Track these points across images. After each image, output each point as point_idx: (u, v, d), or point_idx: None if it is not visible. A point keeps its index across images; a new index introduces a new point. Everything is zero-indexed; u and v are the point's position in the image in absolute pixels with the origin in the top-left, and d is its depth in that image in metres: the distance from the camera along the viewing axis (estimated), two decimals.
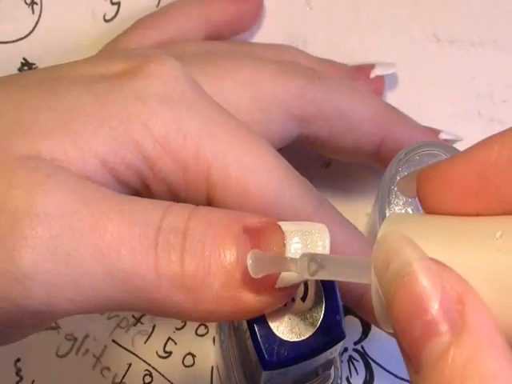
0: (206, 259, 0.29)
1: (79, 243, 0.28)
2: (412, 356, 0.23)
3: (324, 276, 0.28)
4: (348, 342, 0.46)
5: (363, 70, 0.46)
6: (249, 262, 0.29)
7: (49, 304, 0.29)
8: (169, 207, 0.30)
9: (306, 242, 0.29)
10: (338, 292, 0.31)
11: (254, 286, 0.29)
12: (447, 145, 0.41)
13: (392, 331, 0.25)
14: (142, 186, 0.33)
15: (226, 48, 0.44)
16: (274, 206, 0.34)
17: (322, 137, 0.42)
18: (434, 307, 0.23)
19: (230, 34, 0.48)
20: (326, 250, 0.30)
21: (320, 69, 0.44)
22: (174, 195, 0.34)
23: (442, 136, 0.45)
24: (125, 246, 0.29)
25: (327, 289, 0.31)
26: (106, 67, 0.34)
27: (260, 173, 0.34)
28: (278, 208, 0.34)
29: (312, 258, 0.28)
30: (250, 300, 0.30)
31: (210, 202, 0.34)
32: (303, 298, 0.31)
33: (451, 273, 0.24)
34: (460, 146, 0.42)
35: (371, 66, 0.46)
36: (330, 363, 0.34)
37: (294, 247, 0.29)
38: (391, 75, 0.47)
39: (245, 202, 0.33)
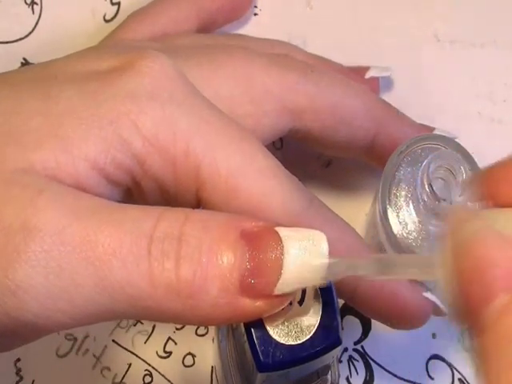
0: (203, 266, 0.29)
1: (71, 256, 0.29)
2: (474, 317, 0.24)
3: (390, 276, 0.29)
4: (348, 342, 0.46)
5: (358, 70, 0.46)
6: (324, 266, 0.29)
7: (42, 316, 0.29)
8: (162, 213, 0.30)
9: (304, 249, 0.30)
10: (335, 297, 0.31)
11: (252, 291, 0.29)
12: (449, 138, 0.41)
13: (462, 324, 0.25)
14: (132, 184, 0.33)
15: (219, 40, 0.44)
16: (263, 204, 0.34)
17: (315, 131, 0.42)
18: (499, 270, 0.23)
19: (224, 21, 0.47)
20: (325, 256, 0.30)
21: (313, 63, 0.44)
22: (164, 192, 0.34)
23: (436, 133, 0.44)
24: (116, 257, 0.29)
25: (325, 293, 0.31)
26: (97, 63, 0.34)
27: (249, 171, 0.33)
28: (267, 207, 0.34)
29: (377, 258, 0.29)
30: (248, 306, 0.30)
31: (199, 200, 0.34)
32: (300, 302, 0.31)
33: None
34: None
35: (366, 68, 0.45)
36: (326, 368, 0.34)
37: (293, 254, 0.29)
38: (387, 79, 0.47)
39: (234, 201, 0.33)
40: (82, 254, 0.29)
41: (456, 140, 0.40)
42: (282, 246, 0.29)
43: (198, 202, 0.34)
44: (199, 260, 0.29)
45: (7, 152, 0.30)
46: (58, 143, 0.31)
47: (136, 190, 0.34)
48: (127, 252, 0.29)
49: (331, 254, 0.30)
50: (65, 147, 0.31)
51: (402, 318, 0.39)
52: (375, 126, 0.42)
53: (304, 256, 0.29)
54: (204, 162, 0.33)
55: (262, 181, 0.34)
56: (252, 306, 0.30)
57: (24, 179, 0.30)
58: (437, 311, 0.40)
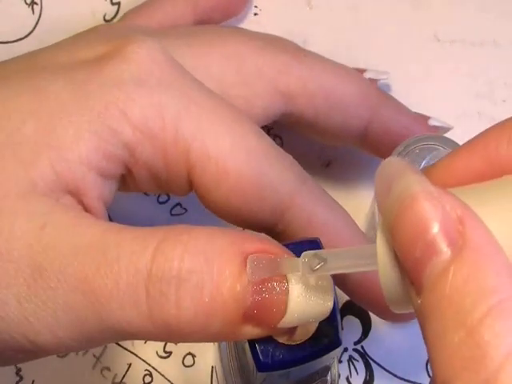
0: (206, 304, 0.29)
1: (74, 296, 0.29)
2: (414, 278, 0.23)
3: (327, 270, 0.28)
4: (348, 342, 0.46)
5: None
6: (248, 267, 0.29)
7: (54, 341, 0.30)
8: (160, 244, 0.29)
9: (309, 288, 0.29)
10: (335, 299, 0.31)
11: (255, 321, 0.29)
12: (447, 138, 0.40)
13: (401, 311, 0.25)
14: (126, 172, 0.33)
15: (213, 27, 0.44)
16: (255, 187, 0.34)
17: (308, 116, 0.41)
18: (434, 227, 0.23)
19: (220, 18, 0.47)
20: (331, 295, 0.29)
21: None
22: (156, 179, 0.34)
23: (432, 122, 0.44)
24: (113, 299, 0.29)
25: None
26: (85, 52, 0.34)
27: (239, 153, 0.33)
28: (259, 189, 0.34)
29: (313, 254, 0.28)
30: (250, 332, 0.30)
31: (190, 184, 0.34)
32: None
33: (451, 196, 0.24)
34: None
35: (363, 70, 0.45)
36: (326, 369, 0.34)
37: (298, 293, 0.29)
38: (385, 84, 0.47)
39: (224, 182, 0.33)
40: (84, 294, 0.29)
41: (455, 140, 0.40)
42: (287, 286, 0.29)
43: (189, 186, 0.34)
44: (201, 299, 0.29)
45: (7, 169, 0.31)
46: (53, 151, 0.31)
47: (129, 178, 0.34)
48: (124, 294, 0.29)
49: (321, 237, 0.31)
50: (60, 154, 0.31)
51: (390, 310, 0.38)
52: (369, 113, 0.42)
53: (308, 295, 0.29)
54: (193, 145, 0.33)
55: (252, 161, 0.34)
56: (254, 332, 0.30)
57: (28, 206, 0.30)
58: None
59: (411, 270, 0.23)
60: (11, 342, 0.30)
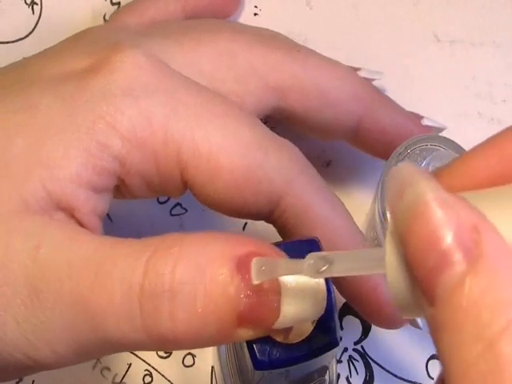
0: (199, 313, 0.29)
1: (71, 314, 0.29)
2: (427, 288, 0.23)
3: (333, 273, 0.27)
4: (348, 342, 0.46)
5: None
6: (252, 271, 0.28)
7: (54, 357, 0.30)
8: (151, 258, 0.29)
9: (302, 290, 0.29)
10: (333, 298, 0.31)
11: (249, 324, 0.29)
12: (447, 139, 0.40)
13: (409, 317, 0.24)
14: (119, 182, 0.33)
15: (204, 21, 0.44)
16: (249, 179, 0.33)
17: (299, 111, 0.41)
18: (449, 236, 0.22)
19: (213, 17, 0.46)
20: (323, 292, 0.29)
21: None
22: (150, 184, 0.34)
23: (425, 122, 0.43)
24: (109, 316, 0.29)
25: None
26: (73, 63, 0.34)
27: (231, 147, 0.33)
28: (253, 181, 0.34)
29: (319, 256, 0.27)
30: (245, 334, 0.29)
31: (184, 184, 0.34)
32: None
33: (465, 203, 0.23)
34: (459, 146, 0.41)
35: (358, 69, 0.44)
36: (324, 369, 0.34)
37: (291, 295, 0.29)
38: (381, 85, 0.46)
39: (218, 179, 0.33)
40: (80, 312, 0.29)
41: (455, 140, 0.40)
42: (280, 287, 0.29)
43: (184, 186, 0.34)
44: (195, 308, 0.29)
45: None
46: (43, 170, 0.31)
47: (123, 187, 0.34)
48: (119, 310, 0.29)
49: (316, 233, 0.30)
50: (50, 173, 0.31)
51: (377, 315, 0.38)
52: (361, 110, 0.42)
53: (302, 295, 0.29)
54: (184, 145, 0.33)
55: (246, 154, 0.33)
56: (248, 334, 0.29)
57: (22, 226, 0.30)
58: (413, 322, 0.40)
59: (423, 280, 0.23)
60: (12, 360, 0.30)
